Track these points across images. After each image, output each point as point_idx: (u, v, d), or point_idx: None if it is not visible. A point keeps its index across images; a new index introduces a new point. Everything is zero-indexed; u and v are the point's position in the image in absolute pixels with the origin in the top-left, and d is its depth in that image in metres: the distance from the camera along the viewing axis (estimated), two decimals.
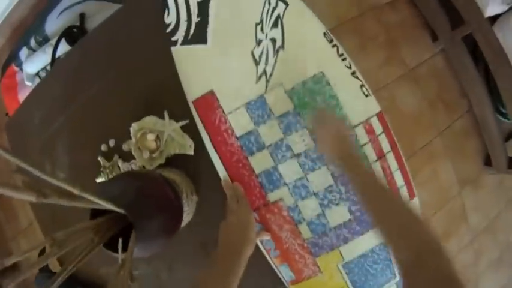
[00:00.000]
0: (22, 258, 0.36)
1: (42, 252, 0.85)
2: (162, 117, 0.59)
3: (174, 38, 0.59)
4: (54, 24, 0.94)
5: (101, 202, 0.39)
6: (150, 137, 0.57)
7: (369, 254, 0.58)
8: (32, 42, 0.97)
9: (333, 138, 0.48)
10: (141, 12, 0.63)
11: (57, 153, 0.71)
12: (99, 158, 0.63)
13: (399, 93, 1.20)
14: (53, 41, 0.89)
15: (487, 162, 1.26)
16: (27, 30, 0.98)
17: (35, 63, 0.93)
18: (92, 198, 0.37)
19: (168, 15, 0.60)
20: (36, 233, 1.44)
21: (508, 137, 1.26)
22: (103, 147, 0.64)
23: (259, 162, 0.55)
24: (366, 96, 0.58)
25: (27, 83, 0.96)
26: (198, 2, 0.58)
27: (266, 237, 0.58)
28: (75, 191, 0.35)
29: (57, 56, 0.88)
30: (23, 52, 0.99)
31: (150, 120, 0.59)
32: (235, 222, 0.50)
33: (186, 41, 0.58)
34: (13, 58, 1.00)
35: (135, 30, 0.64)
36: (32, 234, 1.46)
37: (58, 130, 0.71)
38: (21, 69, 0.98)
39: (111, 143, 0.63)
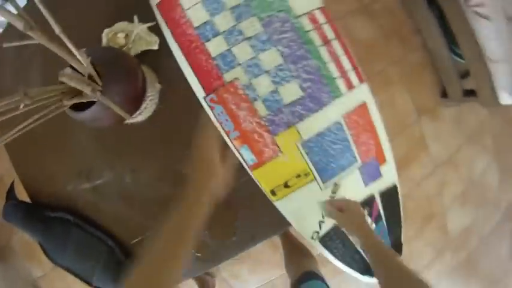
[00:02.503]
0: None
1: (10, 189, 0.80)
2: (132, 22, 0.66)
3: None
4: None
5: (75, 52, 0.45)
6: (120, 35, 0.64)
7: (326, 133, 0.63)
8: None
9: (352, 214, 0.59)
10: None
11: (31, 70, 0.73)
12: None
13: (353, 25, 1.27)
14: None
15: (444, 95, 1.36)
16: None
17: None
18: (69, 43, 0.43)
19: None
20: None
21: (464, 76, 1.37)
22: None
23: (215, 46, 0.61)
24: None
25: None
26: None
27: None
28: (57, 29, 0.42)
29: None
30: None
31: (121, 25, 0.66)
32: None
33: None
34: None
35: None
36: None
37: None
38: None
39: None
